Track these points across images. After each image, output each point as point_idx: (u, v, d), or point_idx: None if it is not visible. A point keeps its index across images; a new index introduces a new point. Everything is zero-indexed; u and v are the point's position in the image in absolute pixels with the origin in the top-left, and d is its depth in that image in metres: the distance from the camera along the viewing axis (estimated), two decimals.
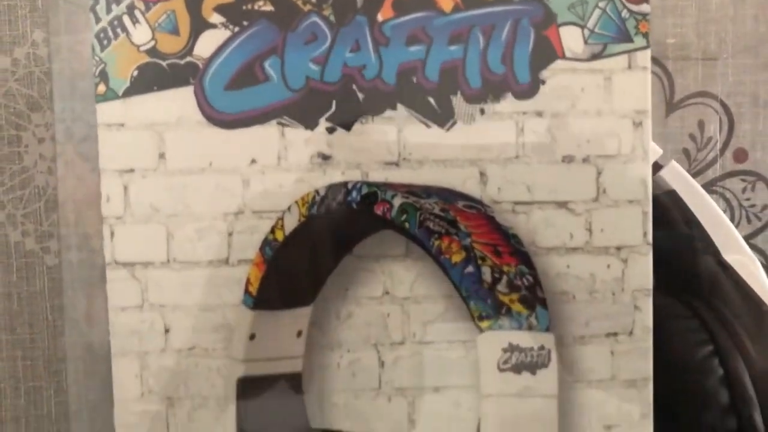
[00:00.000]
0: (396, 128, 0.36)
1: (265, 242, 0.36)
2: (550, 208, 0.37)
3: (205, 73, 0.36)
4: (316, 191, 0.36)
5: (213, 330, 0.37)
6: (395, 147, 0.37)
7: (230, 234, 0.37)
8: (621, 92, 0.37)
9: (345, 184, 0.36)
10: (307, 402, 0.37)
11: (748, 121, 0.56)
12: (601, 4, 0.36)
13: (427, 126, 0.36)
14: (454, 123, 0.36)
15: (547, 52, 0.36)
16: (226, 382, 0.37)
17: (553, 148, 0.37)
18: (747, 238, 0.55)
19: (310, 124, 0.36)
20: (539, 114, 0.37)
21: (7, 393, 0.55)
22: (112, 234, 0.37)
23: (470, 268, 0.36)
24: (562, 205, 0.37)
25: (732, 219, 0.57)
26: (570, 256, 0.37)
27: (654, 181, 0.41)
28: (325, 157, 0.37)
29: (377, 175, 0.37)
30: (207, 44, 0.36)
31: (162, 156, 0.36)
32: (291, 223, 0.36)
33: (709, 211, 0.45)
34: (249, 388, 0.37)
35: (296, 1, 0.36)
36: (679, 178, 0.45)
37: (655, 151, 0.42)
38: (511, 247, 0.36)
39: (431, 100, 0.36)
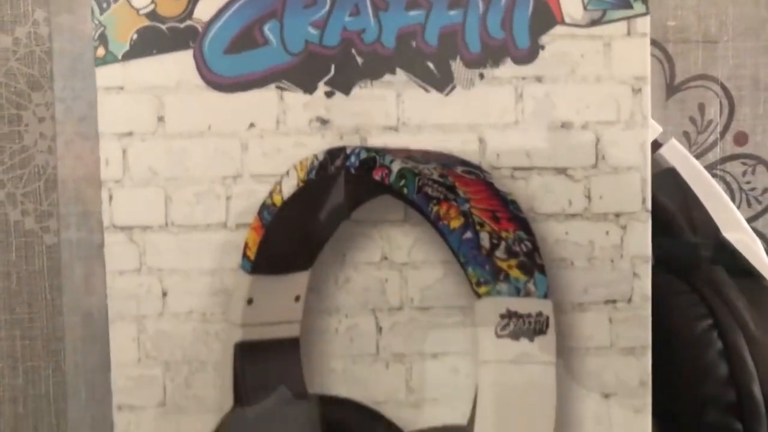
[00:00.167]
0: (395, 93, 0.36)
1: (264, 206, 0.36)
2: (549, 174, 0.37)
3: (204, 36, 0.36)
4: (315, 156, 0.36)
5: (211, 294, 0.37)
6: (394, 112, 0.37)
7: (228, 198, 0.37)
8: (620, 58, 0.37)
9: (344, 148, 0.36)
10: (304, 367, 0.37)
11: (748, 104, 0.56)
12: None
13: (426, 91, 0.36)
14: (453, 88, 0.36)
15: (546, 18, 0.36)
16: (224, 347, 0.37)
17: (552, 113, 0.37)
18: (747, 222, 0.55)
19: (309, 88, 0.36)
20: (538, 79, 0.37)
21: (6, 373, 0.55)
22: (111, 198, 0.37)
23: (468, 234, 0.36)
24: (561, 171, 0.37)
25: (732, 202, 0.57)
26: (569, 222, 0.37)
27: (653, 159, 0.41)
28: (324, 122, 0.37)
29: (376, 140, 0.37)
30: (207, 8, 0.36)
31: (161, 119, 0.36)
32: (289, 187, 0.36)
33: (709, 189, 0.45)
34: (247, 352, 0.37)
35: None
36: (678, 156, 0.45)
37: (655, 129, 0.42)
38: (510, 213, 0.36)
39: (430, 64, 0.36)
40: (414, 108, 0.36)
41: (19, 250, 0.55)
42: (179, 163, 0.36)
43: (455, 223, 0.36)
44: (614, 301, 0.37)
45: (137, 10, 0.36)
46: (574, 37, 0.37)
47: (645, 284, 0.37)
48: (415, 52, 0.36)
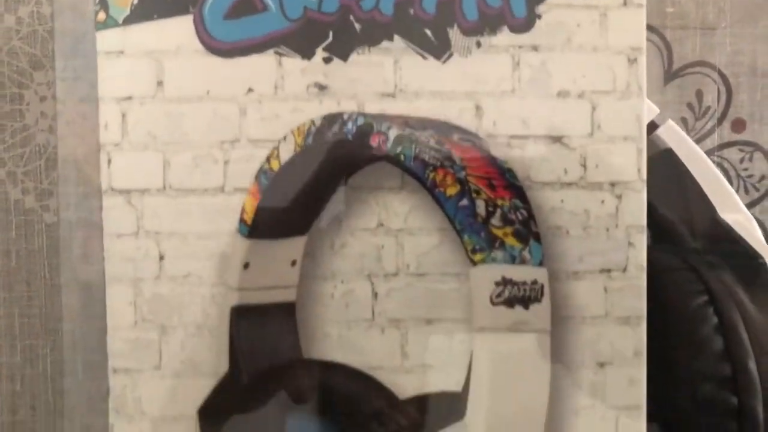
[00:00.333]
0: (392, 59, 0.37)
1: (261, 171, 0.37)
2: (545, 142, 0.37)
3: (204, 1, 0.36)
4: (312, 121, 0.37)
5: (208, 258, 0.37)
6: (391, 78, 0.37)
7: (226, 162, 0.37)
8: (616, 28, 0.37)
9: (341, 114, 0.37)
10: (300, 332, 0.37)
11: (746, 91, 0.57)
12: None
13: (424, 58, 0.37)
14: (451, 55, 0.37)
15: None
16: (220, 311, 0.37)
17: (548, 82, 0.37)
18: None
19: (307, 54, 0.37)
20: (535, 48, 0.37)
21: (4, 351, 0.55)
22: (109, 161, 0.37)
23: (464, 201, 0.36)
24: (557, 139, 0.37)
25: None
26: (564, 191, 0.37)
27: (650, 140, 0.41)
28: (322, 87, 0.37)
29: (373, 107, 0.37)
30: None
31: (160, 84, 0.37)
32: (287, 152, 0.37)
33: (705, 171, 0.45)
34: (243, 317, 0.37)
35: None
36: (675, 137, 0.45)
37: (652, 110, 0.42)
38: (506, 180, 0.37)
39: (428, 31, 0.37)
40: (411, 75, 0.37)
41: (19, 228, 0.55)
42: (178, 127, 0.37)
43: (451, 191, 0.36)
44: (609, 270, 0.37)
45: None
46: (571, 7, 0.37)
47: (640, 254, 0.37)
48: (412, 19, 0.36)
